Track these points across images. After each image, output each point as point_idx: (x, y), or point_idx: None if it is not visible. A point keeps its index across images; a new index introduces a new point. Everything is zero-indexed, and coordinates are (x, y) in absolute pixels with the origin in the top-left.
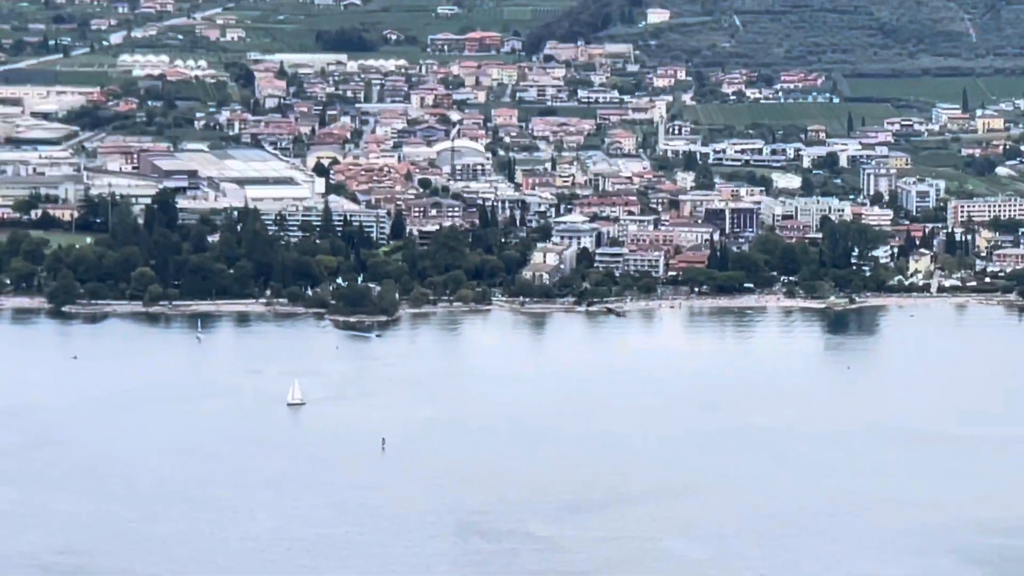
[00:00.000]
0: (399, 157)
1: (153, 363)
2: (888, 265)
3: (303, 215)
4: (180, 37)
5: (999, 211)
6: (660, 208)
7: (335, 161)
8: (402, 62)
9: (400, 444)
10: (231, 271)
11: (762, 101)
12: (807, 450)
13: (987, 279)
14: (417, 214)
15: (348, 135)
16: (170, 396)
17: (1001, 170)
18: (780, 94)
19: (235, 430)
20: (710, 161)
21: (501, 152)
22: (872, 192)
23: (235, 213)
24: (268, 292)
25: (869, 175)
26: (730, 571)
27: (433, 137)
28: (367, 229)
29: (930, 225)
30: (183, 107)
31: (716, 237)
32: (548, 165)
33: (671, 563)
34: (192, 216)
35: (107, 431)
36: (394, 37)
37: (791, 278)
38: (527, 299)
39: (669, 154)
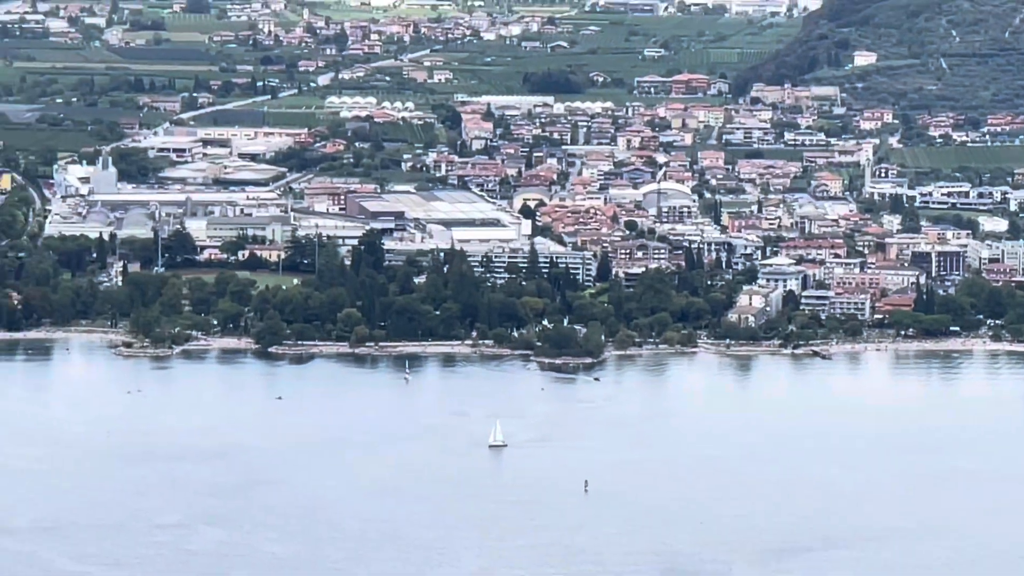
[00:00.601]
0: (605, 199)
1: (359, 404)
2: None
3: (509, 257)
4: (388, 79)
5: None
6: (866, 251)
7: (541, 203)
8: (609, 104)
9: (603, 486)
10: (437, 312)
11: (969, 144)
12: (1014, 494)
13: None
14: (623, 256)
15: (554, 177)
16: (375, 438)
17: None
18: (987, 137)
19: (439, 472)
20: (916, 204)
21: (707, 194)
22: None
23: (441, 255)
24: (474, 333)
25: None
26: None
27: (639, 179)
28: (573, 271)
29: None
30: (390, 149)
31: (922, 280)
32: (754, 208)
33: None
34: (399, 257)
35: (313, 472)
36: (601, 79)
37: (997, 322)
38: (733, 341)
39: (875, 197)
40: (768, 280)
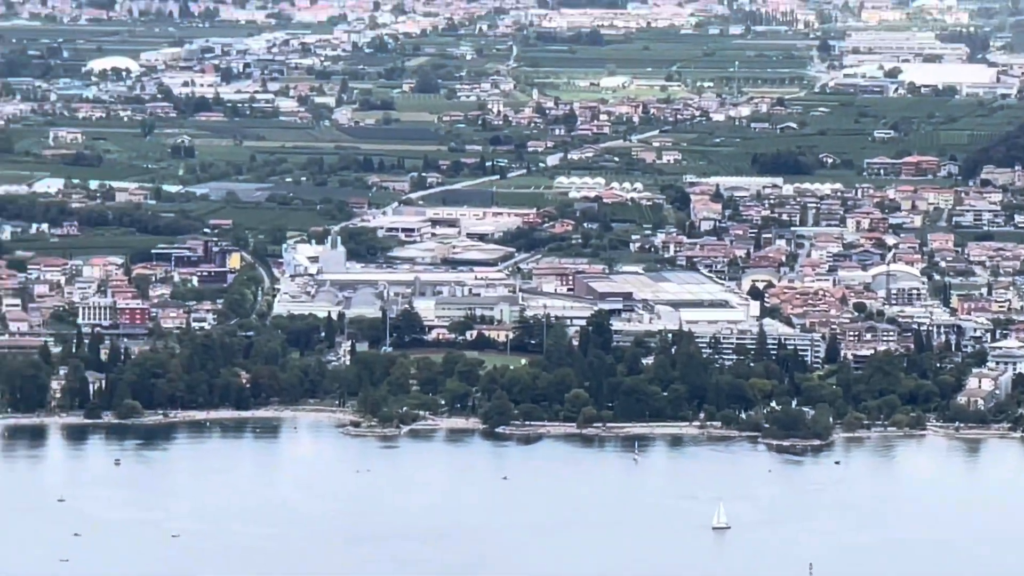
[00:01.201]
0: (834, 281)
1: (585, 485)
2: None
3: (737, 338)
4: (616, 159)
5: None
6: None
7: (770, 284)
8: (838, 186)
9: (829, 570)
10: (665, 394)
11: None
12: None
13: None
14: (852, 338)
15: (783, 258)
16: (601, 519)
17: None
18: None
19: (661, 554)
20: None
21: (936, 277)
22: None
23: (669, 336)
24: (702, 415)
25: None
26: None
27: (868, 261)
28: (801, 353)
29: None
30: (619, 229)
31: None
32: (984, 290)
33: None
34: (626, 338)
35: (538, 554)
36: (830, 160)
37: None
38: (962, 424)
39: None
40: (998, 363)
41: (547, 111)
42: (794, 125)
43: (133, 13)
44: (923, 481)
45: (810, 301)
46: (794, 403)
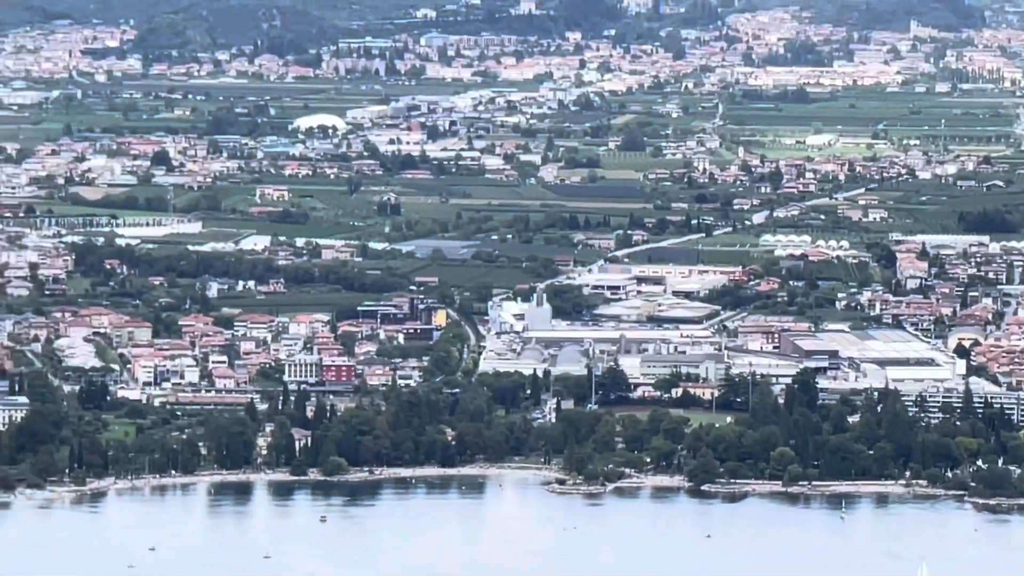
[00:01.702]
0: None
1: (790, 543)
2: None
3: (943, 396)
4: (822, 217)
5: None
6: None
7: (976, 343)
8: None
9: None
10: (871, 452)
11: None
12: None
13: None
14: None
15: (990, 317)
16: None
17: None
18: None
19: None
20: None
21: None
22: None
23: (875, 394)
24: (908, 473)
25: None
26: None
27: None
28: (1008, 411)
29: None
30: (824, 287)
31: None
32: None
33: None
34: (832, 396)
35: None
36: None
37: None
38: None
39: None
40: None
41: (753, 169)
42: (1001, 183)
43: (339, 71)
44: None
45: (1017, 359)
46: (1000, 462)
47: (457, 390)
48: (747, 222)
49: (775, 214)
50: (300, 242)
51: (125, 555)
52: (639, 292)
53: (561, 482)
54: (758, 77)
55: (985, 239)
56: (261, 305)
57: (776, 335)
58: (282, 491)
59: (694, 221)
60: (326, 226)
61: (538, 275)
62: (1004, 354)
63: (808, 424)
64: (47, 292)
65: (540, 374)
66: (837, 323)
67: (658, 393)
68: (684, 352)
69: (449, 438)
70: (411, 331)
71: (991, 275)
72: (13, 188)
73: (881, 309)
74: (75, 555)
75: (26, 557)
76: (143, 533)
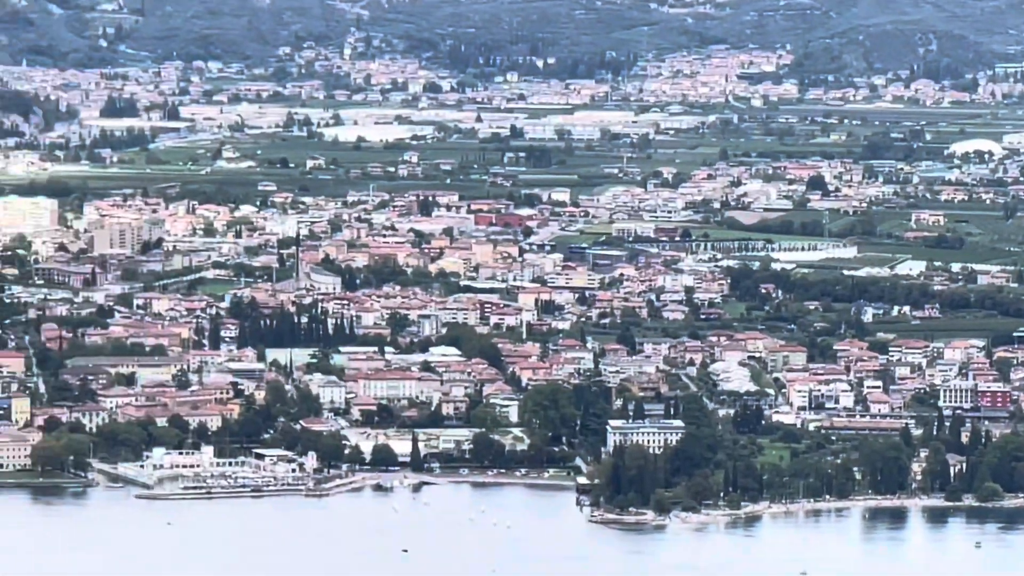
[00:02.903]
0: None
1: None
2: None
3: None
4: None
5: None
6: None
7: None
8: None
9: None
10: None
11: None
12: None
13: None
14: None
15: None
16: None
17: None
18: None
19: None
20: None
21: None
22: None
23: None
24: None
25: None
26: None
27: None
28: None
29: None
30: None
31: None
32: None
33: None
34: None
35: None
36: None
37: None
38: None
39: None
40: None
41: None
42: None
43: (996, 96)
44: None
45: None
46: None
47: None
48: None
49: None
50: (955, 267)
51: None
52: None
53: None
54: None
55: None
56: (916, 331)
57: None
58: (936, 516)
59: None
60: (981, 251)
61: None
62: None
63: None
64: (702, 316)
65: None
66: None
67: None
68: None
69: None
70: None
71: None
72: (669, 212)
73: None
74: None
75: None
76: (795, 557)
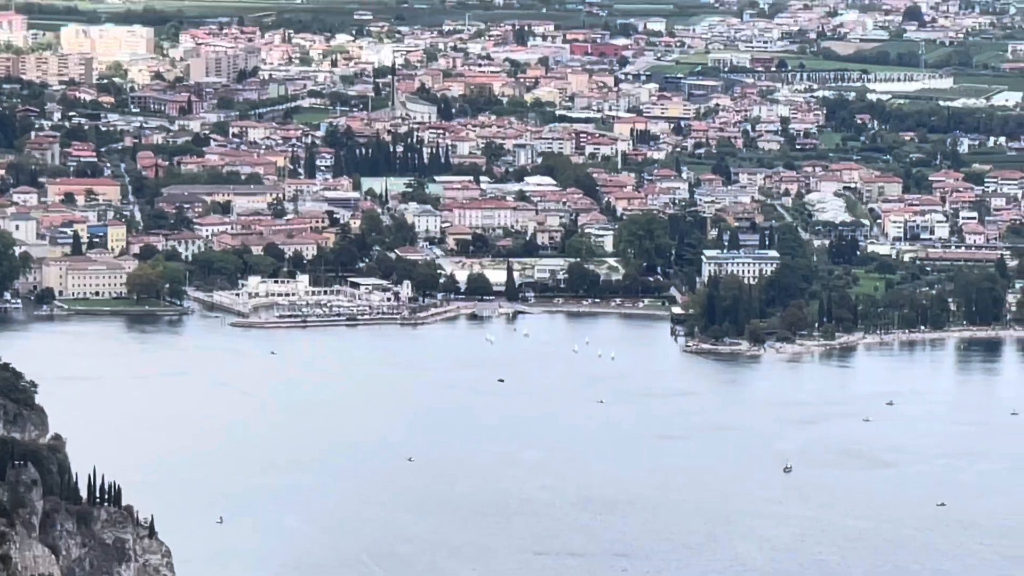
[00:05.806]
0: None
1: None
2: None
3: None
4: None
5: None
6: None
7: None
8: None
9: None
10: None
11: None
12: None
13: None
14: None
15: None
16: None
17: None
18: None
19: None
20: None
21: None
22: None
23: None
24: None
25: None
26: None
27: None
28: None
29: None
30: None
31: None
32: None
33: None
34: None
35: None
36: None
37: None
38: None
39: None
40: None
41: None
42: None
43: None
44: None
45: None
46: None
47: None
48: None
49: None
50: None
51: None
52: None
53: None
54: None
55: None
56: (1012, 161)
57: None
58: None
59: None
60: None
61: None
62: None
63: None
64: (798, 146)
65: None
66: None
67: None
68: None
69: None
70: None
71: None
72: (765, 42)
73: None
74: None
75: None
76: (888, 387)
